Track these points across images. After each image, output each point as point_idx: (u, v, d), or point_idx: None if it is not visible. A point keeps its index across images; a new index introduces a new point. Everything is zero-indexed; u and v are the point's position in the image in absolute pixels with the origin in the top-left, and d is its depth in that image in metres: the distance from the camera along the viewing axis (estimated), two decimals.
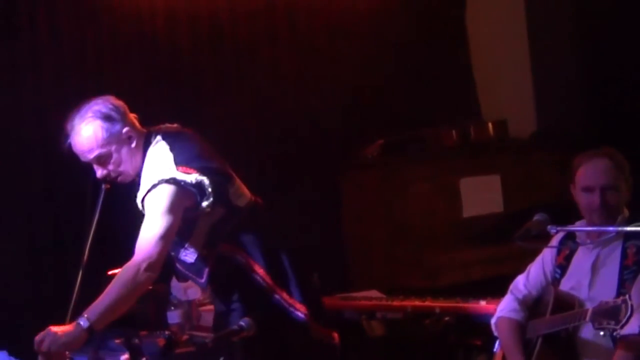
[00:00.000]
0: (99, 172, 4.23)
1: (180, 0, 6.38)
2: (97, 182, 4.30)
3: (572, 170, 4.26)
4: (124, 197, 4.30)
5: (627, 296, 3.73)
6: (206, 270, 4.24)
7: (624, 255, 4.11)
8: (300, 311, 4.21)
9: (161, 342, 4.15)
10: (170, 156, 4.15)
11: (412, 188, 6.49)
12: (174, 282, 5.11)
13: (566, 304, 4.16)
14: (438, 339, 5.73)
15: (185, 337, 4.91)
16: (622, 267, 4.09)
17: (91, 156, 4.19)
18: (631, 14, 6.58)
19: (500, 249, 6.07)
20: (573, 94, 6.90)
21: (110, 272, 4.09)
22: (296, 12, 6.77)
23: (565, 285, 4.26)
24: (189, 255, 4.26)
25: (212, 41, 6.47)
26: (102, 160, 4.19)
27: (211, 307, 4.68)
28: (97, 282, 4.16)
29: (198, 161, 4.16)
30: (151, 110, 4.71)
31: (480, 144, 6.80)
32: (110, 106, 4.20)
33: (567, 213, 4.26)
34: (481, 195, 6.54)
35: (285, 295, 4.21)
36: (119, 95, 4.31)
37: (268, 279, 4.18)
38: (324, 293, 5.54)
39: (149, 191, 4.08)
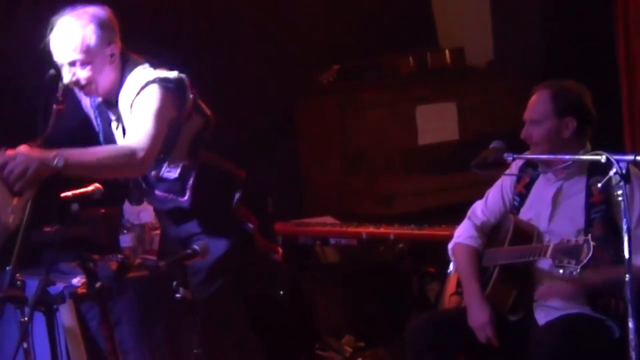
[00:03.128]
0: (70, 76, 4.03)
1: None
2: (49, 102, 4.11)
3: None
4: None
5: (589, 236, 3.76)
6: (189, 184, 4.18)
7: (588, 192, 4.11)
8: (249, 222, 4.25)
9: (114, 265, 4.13)
10: (150, 68, 4.09)
11: (367, 114, 6.46)
12: (127, 205, 5.07)
13: (525, 234, 4.18)
14: (392, 266, 5.77)
15: (138, 261, 4.89)
16: (589, 205, 4.10)
17: (70, 57, 3.99)
18: None
19: (456, 176, 6.08)
20: (531, 22, 6.87)
21: (63, 195, 4.00)
22: None
23: (524, 215, 4.27)
24: (172, 171, 4.17)
25: None
26: (79, 65, 4.01)
27: None
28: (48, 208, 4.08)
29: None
30: None
31: (437, 71, 6.77)
32: (109, 16, 4.05)
33: (522, 141, 4.26)
34: (437, 123, 6.52)
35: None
36: None
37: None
38: (278, 218, 5.55)
39: (137, 94, 3.98)
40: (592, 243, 3.70)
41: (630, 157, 3.56)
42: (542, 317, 4.11)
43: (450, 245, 4.47)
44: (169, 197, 4.23)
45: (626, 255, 3.49)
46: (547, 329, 4.02)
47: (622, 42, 5.98)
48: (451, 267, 4.55)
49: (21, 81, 5.19)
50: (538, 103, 4.20)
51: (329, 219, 6.02)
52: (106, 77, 4.06)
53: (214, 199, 4.23)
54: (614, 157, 3.55)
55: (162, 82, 4.00)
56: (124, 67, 4.09)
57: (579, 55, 6.36)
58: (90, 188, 3.95)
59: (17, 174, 3.61)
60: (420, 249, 5.50)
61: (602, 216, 4.05)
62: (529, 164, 4.31)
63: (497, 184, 4.42)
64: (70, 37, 3.98)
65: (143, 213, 5.04)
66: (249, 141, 6.31)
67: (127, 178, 4.33)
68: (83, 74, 4.02)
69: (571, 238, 3.85)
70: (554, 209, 4.19)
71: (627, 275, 3.47)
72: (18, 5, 5.70)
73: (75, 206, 3.81)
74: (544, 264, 4.08)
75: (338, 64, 6.68)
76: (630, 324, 3.46)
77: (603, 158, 3.58)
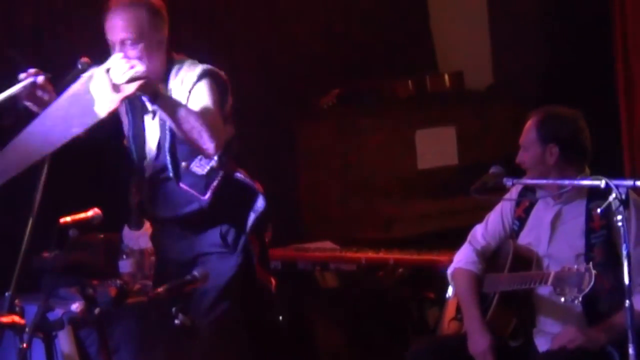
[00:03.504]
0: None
1: None
2: None
3: None
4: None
5: (590, 264, 3.76)
6: (213, 185, 4.22)
7: (589, 217, 4.11)
8: (253, 243, 4.27)
9: (113, 291, 4.11)
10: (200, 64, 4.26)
11: (367, 139, 6.45)
12: (126, 230, 5.07)
13: (525, 259, 4.17)
14: (391, 291, 5.75)
15: (137, 286, 4.88)
16: (589, 230, 4.10)
17: (123, 36, 4.11)
18: None
19: (455, 201, 6.06)
20: (530, 47, 6.88)
21: (62, 220, 3.99)
22: None
23: (523, 239, 4.27)
24: (201, 167, 4.23)
25: None
26: (129, 44, 4.12)
27: None
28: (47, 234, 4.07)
29: None
30: None
31: (436, 95, 6.77)
32: (162, 6, 4.22)
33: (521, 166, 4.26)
34: (436, 147, 6.52)
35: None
36: None
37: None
38: (277, 243, 5.54)
39: (197, 81, 4.13)
40: (593, 272, 3.71)
41: (630, 182, 3.56)
42: (542, 343, 4.10)
43: (449, 270, 4.45)
44: (190, 193, 4.24)
45: (626, 281, 3.49)
46: (548, 356, 4.01)
47: (621, 67, 5.99)
48: (450, 291, 4.54)
49: None
50: (527, 129, 4.23)
51: (328, 244, 6.00)
52: (153, 63, 4.17)
53: (232, 209, 4.25)
54: (613, 183, 3.55)
55: (216, 76, 4.18)
56: (170, 60, 4.25)
57: (578, 80, 6.37)
58: (89, 214, 3.94)
59: (124, 68, 3.82)
60: (419, 274, 5.48)
61: (603, 242, 4.04)
62: (528, 188, 4.31)
63: (497, 208, 4.42)
64: (125, 17, 4.12)
65: (142, 238, 5.03)
66: (247, 164, 6.29)
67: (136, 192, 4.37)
68: (132, 53, 4.11)
69: (571, 264, 3.85)
70: (552, 233, 4.18)
71: (627, 302, 3.48)
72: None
73: (74, 232, 3.81)
74: (545, 290, 4.07)
75: (337, 87, 6.69)
76: (631, 350, 3.46)
77: (602, 183, 3.58)
